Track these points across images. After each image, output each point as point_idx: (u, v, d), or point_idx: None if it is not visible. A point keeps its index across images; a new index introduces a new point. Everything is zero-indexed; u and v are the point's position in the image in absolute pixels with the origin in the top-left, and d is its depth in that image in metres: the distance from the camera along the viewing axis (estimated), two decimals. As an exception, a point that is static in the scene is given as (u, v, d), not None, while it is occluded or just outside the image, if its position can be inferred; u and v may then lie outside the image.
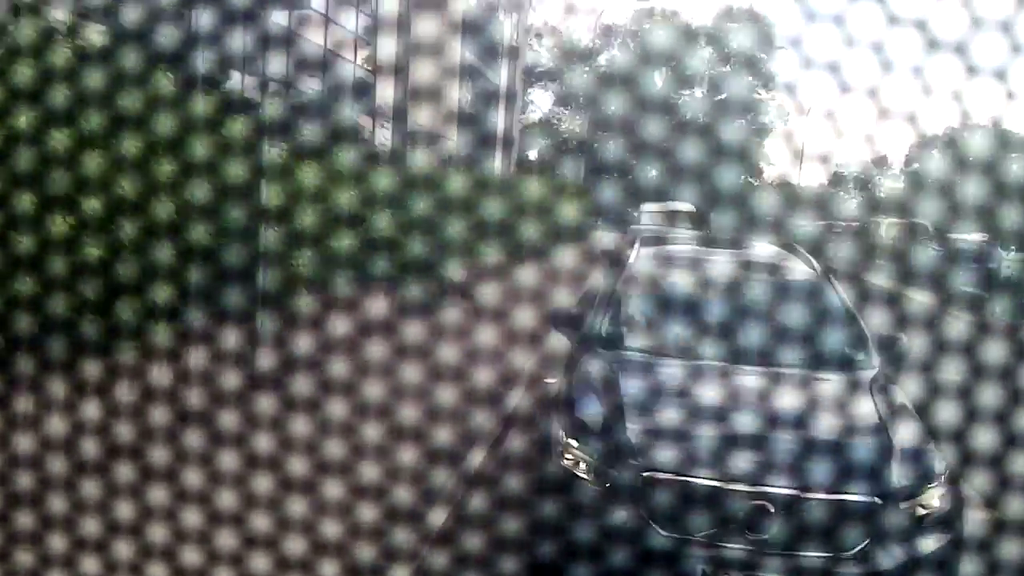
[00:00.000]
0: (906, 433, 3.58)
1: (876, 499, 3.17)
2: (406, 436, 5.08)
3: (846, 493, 3.18)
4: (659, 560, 3.16)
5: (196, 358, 5.55)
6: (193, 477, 4.17)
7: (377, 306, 8.81)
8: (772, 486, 3.18)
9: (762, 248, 5.85)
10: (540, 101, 55.15)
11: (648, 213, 19.81)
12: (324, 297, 7.42)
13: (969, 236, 17.65)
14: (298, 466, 4.36)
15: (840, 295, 4.85)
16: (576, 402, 3.84)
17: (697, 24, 51.93)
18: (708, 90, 51.73)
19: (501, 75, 33.95)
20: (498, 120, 34.49)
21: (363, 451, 4.70)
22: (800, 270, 5.11)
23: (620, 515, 3.27)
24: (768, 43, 51.50)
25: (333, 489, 4.17)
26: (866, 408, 3.80)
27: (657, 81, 50.99)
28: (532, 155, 52.21)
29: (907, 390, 4.47)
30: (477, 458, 5.09)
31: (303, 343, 6.47)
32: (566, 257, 20.97)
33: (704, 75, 51.24)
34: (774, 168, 54.00)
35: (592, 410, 3.74)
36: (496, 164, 32.16)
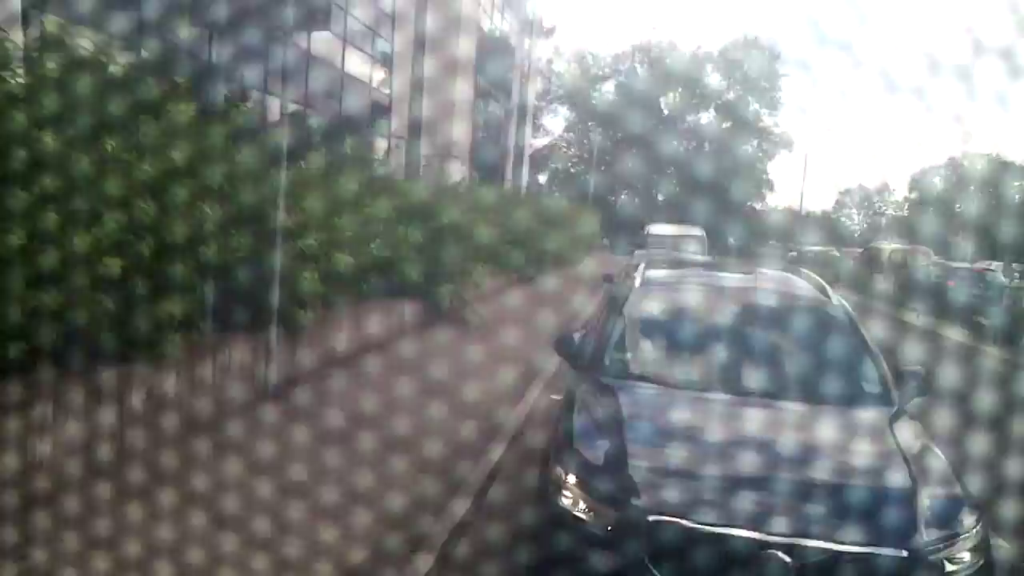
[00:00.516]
0: (933, 478, 3.30)
1: (902, 552, 2.89)
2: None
3: (868, 546, 2.89)
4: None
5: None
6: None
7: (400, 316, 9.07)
8: (787, 536, 2.89)
9: (772, 275, 5.58)
10: (550, 125, 55.22)
11: (655, 235, 19.25)
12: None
13: (969, 262, 17.50)
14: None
15: (855, 324, 4.57)
16: (576, 437, 3.56)
17: (703, 51, 52.07)
18: (715, 115, 51.70)
19: (513, 98, 33.91)
20: (509, 142, 34.43)
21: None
22: (812, 298, 4.83)
23: (621, 561, 2.99)
24: (773, 71, 51.52)
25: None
26: (887, 449, 3.51)
27: (664, 107, 51.02)
28: (541, 178, 52.11)
29: (930, 426, 4.19)
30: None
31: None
32: (573, 274, 21.02)
33: (710, 101, 51.24)
34: (779, 193, 53.86)
35: (593, 446, 3.47)
36: (507, 185, 32.04)
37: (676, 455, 3.44)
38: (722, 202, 38.78)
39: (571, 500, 3.20)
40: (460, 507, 4.53)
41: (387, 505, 4.37)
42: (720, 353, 4.30)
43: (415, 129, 15.17)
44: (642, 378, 4.13)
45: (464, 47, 26.54)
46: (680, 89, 50.89)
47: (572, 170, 52.91)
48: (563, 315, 12.44)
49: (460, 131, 27.67)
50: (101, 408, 4.59)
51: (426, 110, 19.73)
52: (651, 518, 3.00)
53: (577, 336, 4.79)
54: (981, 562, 3.04)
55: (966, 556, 3.02)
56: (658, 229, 20.33)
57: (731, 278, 5.51)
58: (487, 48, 30.61)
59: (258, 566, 3.61)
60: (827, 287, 5.02)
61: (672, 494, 3.11)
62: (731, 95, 50.58)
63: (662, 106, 51.07)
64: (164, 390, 5.12)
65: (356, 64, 19.37)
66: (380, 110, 20.88)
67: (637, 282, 4.95)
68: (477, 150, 30.38)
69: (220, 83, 10.45)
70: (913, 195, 66.10)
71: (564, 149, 55.63)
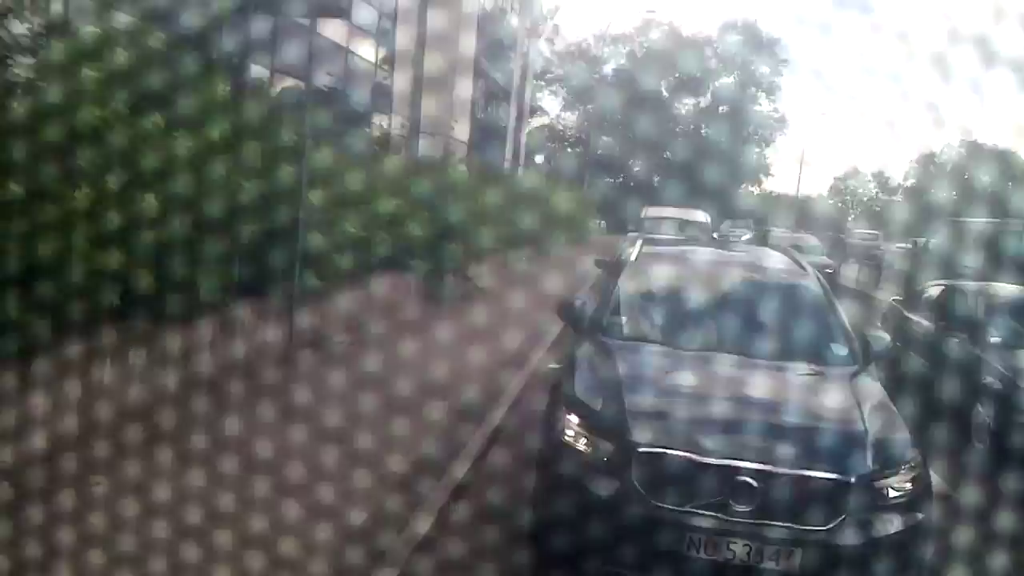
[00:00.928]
0: (881, 422, 3.85)
1: (849, 478, 3.44)
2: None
3: (822, 472, 3.44)
4: (651, 528, 3.42)
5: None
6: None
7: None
8: (754, 463, 3.44)
9: (755, 251, 6.12)
10: (547, 105, 55.37)
11: (653, 219, 17.83)
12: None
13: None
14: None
15: (828, 295, 5.12)
16: (578, 385, 4.10)
17: (701, 35, 52.20)
18: (711, 100, 51.98)
19: (514, 77, 34.25)
20: (508, 121, 34.80)
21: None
22: (790, 271, 5.39)
23: (617, 485, 3.53)
24: (773, 56, 51.68)
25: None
26: (845, 399, 4.06)
27: (661, 89, 51.22)
28: (538, 158, 52.29)
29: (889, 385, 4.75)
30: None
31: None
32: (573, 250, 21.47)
33: (707, 84, 51.48)
34: (774, 178, 54.23)
35: (592, 392, 4.00)
36: (505, 164, 32.41)
37: (663, 400, 3.98)
38: (718, 185, 39.14)
39: (573, 436, 3.74)
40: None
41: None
42: (705, 317, 4.85)
43: (415, 123, 15.72)
44: (636, 339, 4.68)
45: (464, 41, 26.93)
46: (677, 73, 51.03)
47: (569, 151, 53.18)
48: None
49: (462, 126, 28.04)
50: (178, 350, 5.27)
51: (427, 102, 20.33)
52: (641, 449, 3.54)
53: (578, 303, 5.33)
54: (919, 491, 3.60)
55: (907, 485, 3.57)
56: (656, 212, 18.71)
57: (718, 253, 6.05)
58: (486, 34, 30.85)
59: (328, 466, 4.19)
60: (803, 262, 5.57)
61: (658, 431, 3.65)
62: (729, 79, 50.83)
63: (662, 87, 51.28)
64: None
65: (364, 51, 19.88)
66: (383, 95, 21.35)
67: (633, 256, 5.51)
68: (476, 133, 30.74)
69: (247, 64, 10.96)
70: (909, 182, 67.02)
71: (561, 130, 55.77)
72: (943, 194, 43.66)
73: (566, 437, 3.76)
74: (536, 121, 50.84)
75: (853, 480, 3.44)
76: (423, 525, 4.10)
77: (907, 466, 3.61)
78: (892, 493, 3.53)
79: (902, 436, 3.79)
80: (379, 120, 20.43)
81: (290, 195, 6.32)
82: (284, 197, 6.30)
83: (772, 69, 51.32)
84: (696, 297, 5.02)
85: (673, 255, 5.88)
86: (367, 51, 21.13)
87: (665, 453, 3.51)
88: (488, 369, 7.32)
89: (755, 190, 54.47)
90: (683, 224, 17.41)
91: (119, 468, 4.22)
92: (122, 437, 4.52)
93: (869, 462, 3.54)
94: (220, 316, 5.88)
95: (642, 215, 18.34)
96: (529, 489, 4.11)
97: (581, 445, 3.71)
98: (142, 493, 3.98)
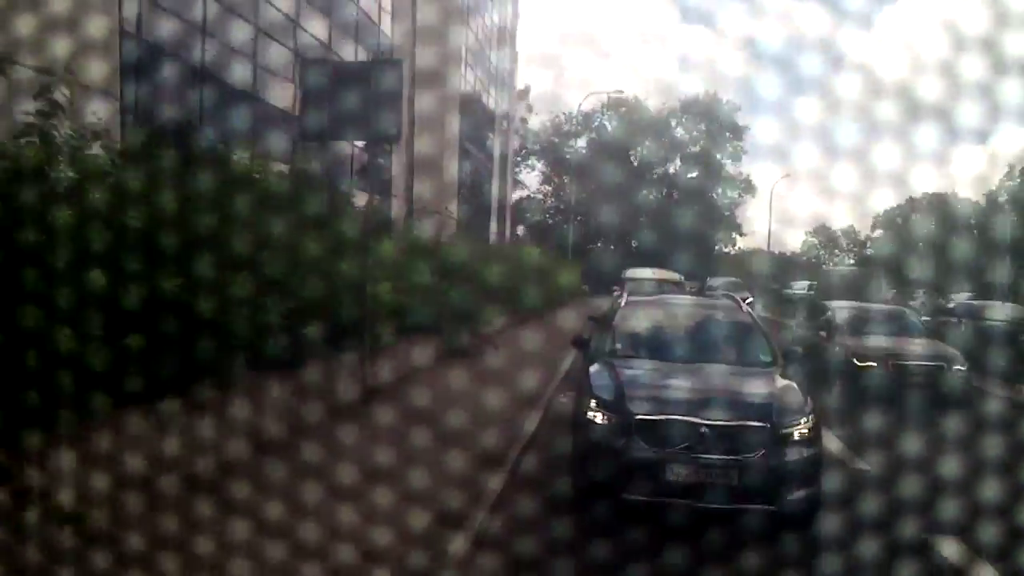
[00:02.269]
0: (787, 395, 5.97)
1: (766, 425, 5.52)
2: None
3: (752, 421, 5.53)
4: (643, 464, 5.46)
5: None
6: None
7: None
8: (715, 416, 5.51)
9: (707, 299, 8.37)
10: (528, 179, 58.35)
11: (633, 279, 19.88)
12: None
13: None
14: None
15: (757, 324, 7.31)
16: (592, 384, 6.19)
17: (669, 106, 55.70)
18: (682, 165, 55.23)
19: (495, 155, 37.10)
20: (492, 194, 37.44)
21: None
22: (733, 309, 7.60)
23: (621, 439, 5.59)
24: (734, 123, 55.17)
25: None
26: (765, 386, 6.18)
27: (633, 159, 54.46)
28: (520, 229, 54.82)
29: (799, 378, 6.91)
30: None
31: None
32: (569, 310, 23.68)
33: (675, 155, 54.82)
34: (750, 236, 57.09)
35: (603, 388, 6.09)
36: (492, 236, 34.88)
37: (648, 390, 6.08)
38: (694, 246, 41.77)
39: (593, 414, 5.81)
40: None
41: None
42: (673, 340, 7.00)
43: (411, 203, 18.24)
44: (627, 356, 6.82)
45: (451, 123, 29.76)
46: (648, 142, 54.22)
47: (550, 221, 55.99)
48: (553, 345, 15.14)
49: (450, 195, 30.59)
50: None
51: (419, 184, 22.81)
52: (637, 417, 5.61)
53: (585, 336, 7.45)
54: (813, 435, 5.68)
55: (804, 431, 5.64)
56: (636, 273, 21.16)
57: (680, 298, 8.28)
58: (469, 116, 33.71)
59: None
60: (741, 303, 7.80)
61: (647, 406, 5.73)
62: (696, 147, 54.21)
63: (632, 158, 54.53)
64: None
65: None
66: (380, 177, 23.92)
67: (623, 303, 7.71)
68: (463, 206, 33.28)
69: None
70: (876, 233, 70.50)
71: (542, 200, 58.52)
72: (889, 246, 46.36)
73: (589, 415, 5.83)
74: (517, 194, 53.75)
75: (768, 427, 5.52)
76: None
77: (804, 420, 5.70)
78: (795, 436, 5.60)
79: (800, 402, 5.89)
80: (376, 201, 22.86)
81: (359, 279, 8.47)
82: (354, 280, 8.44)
83: (735, 136, 54.81)
84: (666, 327, 7.20)
85: (648, 301, 8.13)
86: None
87: (653, 418, 5.59)
88: (517, 392, 9.48)
89: (730, 249, 57.28)
90: (660, 283, 19.40)
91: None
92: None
93: (778, 417, 5.63)
94: (323, 360, 7.95)
95: (624, 276, 21.03)
96: (568, 446, 6.22)
97: (599, 419, 5.78)
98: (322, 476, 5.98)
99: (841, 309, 13.29)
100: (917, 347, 11.52)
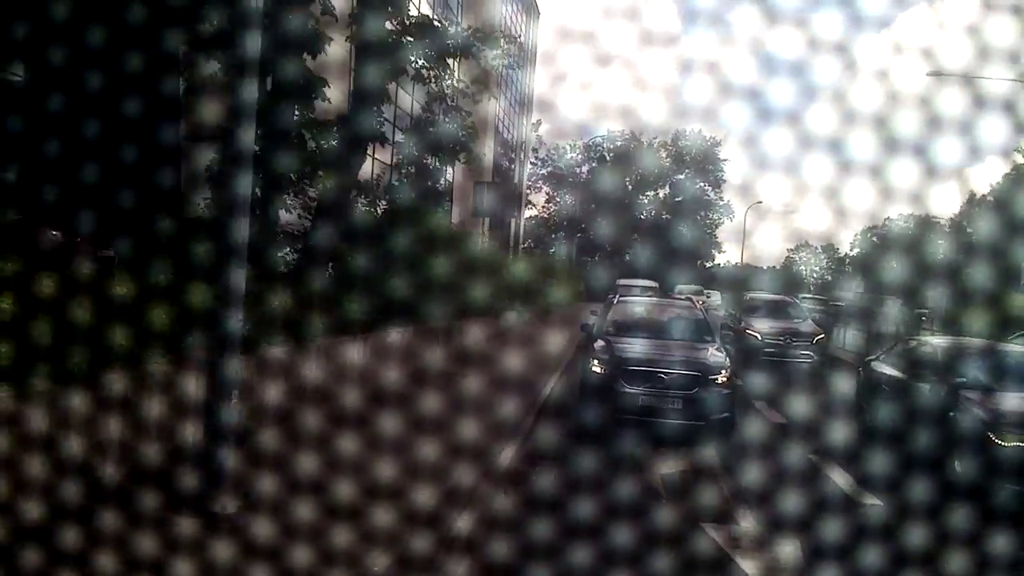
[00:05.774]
0: (716, 357, 9.02)
1: (701, 374, 8.57)
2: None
3: (693, 372, 8.58)
4: (628, 398, 8.50)
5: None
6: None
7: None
8: (670, 369, 8.55)
9: (672, 299, 11.53)
10: (536, 200, 61.56)
11: (623, 287, 25.75)
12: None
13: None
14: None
15: (707, 317, 10.42)
16: (594, 347, 9.24)
17: (659, 141, 59.04)
18: (669, 191, 58.37)
19: (514, 177, 40.29)
20: (513, 214, 40.61)
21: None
22: (690, 306, 10.70)
23: (613, 382, 8.62)
24: (714, 155, 58.44)
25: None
26: (705, 351, 9.23)
27: (628, 185, 57.62)
28: (527, 243, 57.92)
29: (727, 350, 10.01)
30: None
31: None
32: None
33: (665, 180, 58.04)
34: (730, 253, 60.43)
35: (602, 349, 9.14)
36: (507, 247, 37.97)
37: (633, 351, 9.12)
38: (679, 260, 44.93)
39: (595, 366, 8.87)
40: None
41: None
42: (647, 324, 10.10)
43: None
44: (618, 334, 9.88)
45: (486, 153, 32.99)
46: (640, 171, 57.36)
47: (554, 237, 59.08)
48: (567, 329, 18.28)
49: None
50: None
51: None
52: (623, 368, 8.66)
53: (589, 322, 10.54)
54: (731, 382, 8.75)
55: (724, 379, 8.69)
56: (625, 282, 28.62)
57: (656, 300, 11.41)
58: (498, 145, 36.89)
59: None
60: (696, 302, 10.92)
61: (632, 359, 8.78)
62: (681, 176, 57.45)
63: (627, 184, 57.64)
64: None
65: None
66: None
67: (615, 301, 10.82)
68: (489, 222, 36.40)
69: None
70: (854, 251, 72.98)
71: (548, 219, 61.63)
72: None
73: (592, 366, 8.89)
74: (526, 213, 56.87)
75: (701, 375, 8.58)
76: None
77: (724, 371, 8.74)
78: (719, 380, 8.65)
79: (722, 361, 8.95)
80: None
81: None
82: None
83: (714, 167, 58.11)
84: (645, 317, 10.31)
85: (632, 300, 11.24)
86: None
87: (633, 369, 8.64)
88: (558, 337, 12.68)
89: (708, 263, 60.40)
90: (643, 289, 26.31)
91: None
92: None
93: (707, 370, 8.68)
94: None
95: (617, 283, 27.80)
96: (576, 388, 9.33)
97: (599, 369, 8.83)
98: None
99: (751, 299, 18.65)
100: (795, 325, 16.29)
